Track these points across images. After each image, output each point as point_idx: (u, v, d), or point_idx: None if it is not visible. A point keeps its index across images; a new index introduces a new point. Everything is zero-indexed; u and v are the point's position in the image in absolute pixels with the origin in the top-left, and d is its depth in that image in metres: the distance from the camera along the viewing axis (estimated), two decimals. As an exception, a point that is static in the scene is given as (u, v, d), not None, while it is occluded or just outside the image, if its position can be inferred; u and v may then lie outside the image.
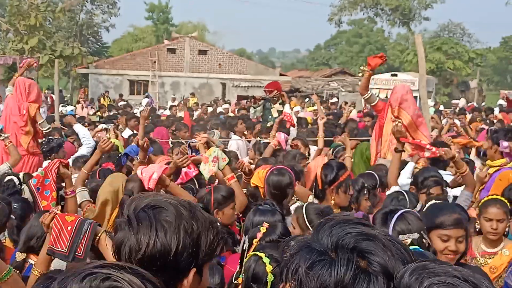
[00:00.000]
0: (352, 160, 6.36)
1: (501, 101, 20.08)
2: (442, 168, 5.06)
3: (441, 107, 21.88)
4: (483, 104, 28.59)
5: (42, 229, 2.93)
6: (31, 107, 6.40)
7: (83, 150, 6.15)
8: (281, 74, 33.87)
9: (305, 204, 3.42)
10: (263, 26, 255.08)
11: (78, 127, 6.50)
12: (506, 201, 3.67)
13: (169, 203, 1.35)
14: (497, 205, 3.59)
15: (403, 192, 3.82)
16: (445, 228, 2.74)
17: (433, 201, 3.08)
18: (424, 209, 3.01)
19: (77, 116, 15.27)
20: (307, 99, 28.56)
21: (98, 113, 16.22)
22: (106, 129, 7.75)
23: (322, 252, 1.09)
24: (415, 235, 2.57)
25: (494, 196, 3.76)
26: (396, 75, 23.93)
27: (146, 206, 1.35)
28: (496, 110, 15.99)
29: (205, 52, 31.80)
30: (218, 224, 1.47)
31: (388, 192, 4.07)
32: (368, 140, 7.44)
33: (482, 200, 3.74)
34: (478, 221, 3.68)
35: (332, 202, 4.08)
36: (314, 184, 4.38)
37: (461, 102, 21.72)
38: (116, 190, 3.62)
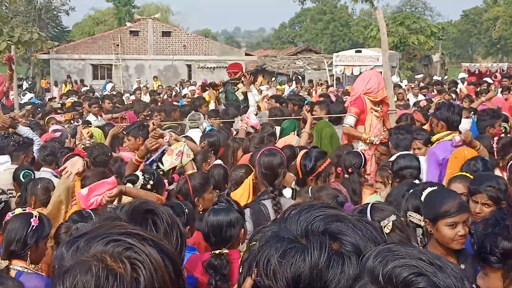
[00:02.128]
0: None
1: (462, 74, 20.49)
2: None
3: (405, 82, 22.19)
4: (445, 77, 29.11)
5: (21, 231, 2.94)
6: None
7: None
8: (246, 54, 33.74)
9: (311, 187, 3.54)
10: (228, 6, 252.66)
11: (21, 130, 6.19)
12: (470, 175, 3.71)
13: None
14: (458, 180, 3.67)
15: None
16: (451, 215, 2.75)
17: (429, 189, 3.05)
18: (423, 198, 2.96)
19: (55, 101, 14.90)
20: (273, 78, 28.60)
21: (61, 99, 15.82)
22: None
23: (292, 239, 1.08)
24: (393, 217, 2.59)
25: (459, 173, 3.85)
26: (360, 51, 24.10)
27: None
28: (461, 84, 16.29)
29: (169, 33, 31.35)
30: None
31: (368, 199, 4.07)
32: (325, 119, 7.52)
33: (449, 178, 3.82)
34: None
35: None
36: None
37: (420, 77, 22.09)
38: (70, 187, 3.55)
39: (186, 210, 3.41)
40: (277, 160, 3.76)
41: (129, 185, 3.73)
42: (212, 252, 2.95)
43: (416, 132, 5.99)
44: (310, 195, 3.41)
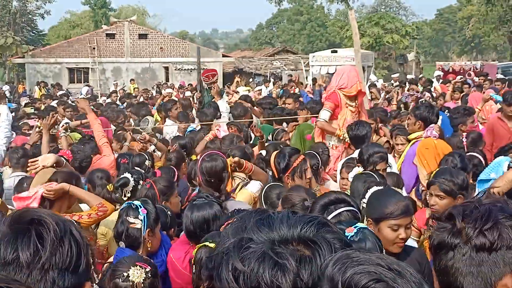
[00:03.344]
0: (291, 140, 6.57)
1: (438, 72, 20.87)
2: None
3: (381, 81, 22.48)
4: (420, 75, 29.55)
5: None
6: None
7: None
8: (224, 55, 33.76)
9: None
10: (205, 8, 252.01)
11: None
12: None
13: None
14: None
15: (370, 172, 3.77)
16: (395, 218, 2.71)
17: (374, 188, 3.04)
18: (367, 197, 2.96)
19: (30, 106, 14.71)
20: (251, 79, 28.70)
21: (35, 105, 15.67)
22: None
23: (293, 248, 1.04)
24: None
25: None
26: (336, 51, 24.31)
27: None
28: (436, 83, 16.57)
29: (145, 36, 31.23)
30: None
31: (351, 174, 4.03)
32: (306, 120, 7.65)
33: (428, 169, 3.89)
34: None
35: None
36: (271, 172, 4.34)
37: (396, 76, 22.46)
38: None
39: (169, 213, 3.49)
40: (220, 164, 3.67)
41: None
42: (198, 246, 2.89)
43: (398, 128, 6.16)
44: (262, 198, 3.39)
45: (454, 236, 1.40)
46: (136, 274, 2.51)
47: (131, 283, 2.49)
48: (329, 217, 2.51)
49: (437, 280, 1.46)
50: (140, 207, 3.02)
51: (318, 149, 5.25)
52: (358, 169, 3.99)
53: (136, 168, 4.52)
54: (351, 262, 0.95)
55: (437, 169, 3.86)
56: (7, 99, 19.62)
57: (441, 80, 17.53)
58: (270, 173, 4.48)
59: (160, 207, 3.44)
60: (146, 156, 5.18)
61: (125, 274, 2.51)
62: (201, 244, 2.79)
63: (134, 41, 30.97)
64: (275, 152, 4.27)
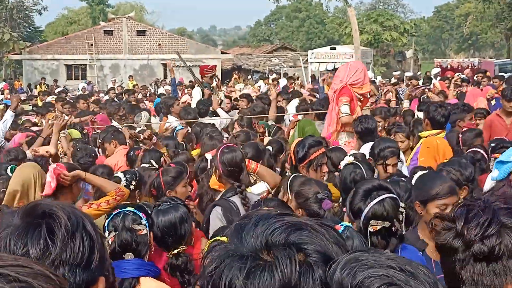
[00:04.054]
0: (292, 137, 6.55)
1: (436, 69, 20.89)
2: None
3: (379, 78, 22.48)
4: (419, 73, 29.56)
5: None
6: None
7: None
8: (222, 52, 33.73)
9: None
10: (203, 4, 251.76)
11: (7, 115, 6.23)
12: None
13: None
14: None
15: (359, 164, 3.79)
16: (442, 197, 2.81)
17: (420, 172, 3.10)
18: (414, 181, 3.02)
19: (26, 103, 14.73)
20: (249, 76, 28.68)
21: (32, 101, 15.65)
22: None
23: (253, 256, 0.98)
24: (386, 223, 2.54)
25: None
26: (335, 48, 24.35)
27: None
28: (435, 80, 16.55)
29: (143, 32, 31.17)
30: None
31: (343, 163, 3.98)
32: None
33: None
34: None
35: None
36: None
37: (397, 73, 22.50)
38: (26, 180, 3.52)
39: (149, 211, 3.44)
40: (239, 155, 3.74)
41: None
42: (170, 253, 2.90)
43: (398, 126, 6.14)
44: (288, 187, 3.41)
45: (456, 239, 1.31)
46: None
47: None
48: (372, 203, 2.57)
49: (445, 280, 1.38)
50: (137, 212, 2.87)
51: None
52: (349, 159, 3.98)
53: (152, 162, 4.62)
54: (361, 266, 0.92)
55: (430, 161, 3.90)
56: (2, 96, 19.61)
57: (439, 77, 17.53)
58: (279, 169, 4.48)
59: (146, 203, 3.37)
60: (160, 152, 5.21)
61: None
62: (212, 240, 2.70)
63: (132, 38, 30.91)
64: (297, 140, 4.25)
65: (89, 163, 5.10)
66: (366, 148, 4.69)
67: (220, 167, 3.69)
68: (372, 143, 4.55)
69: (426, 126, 5.12)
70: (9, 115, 6.20)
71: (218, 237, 2.66)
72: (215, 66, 10.21)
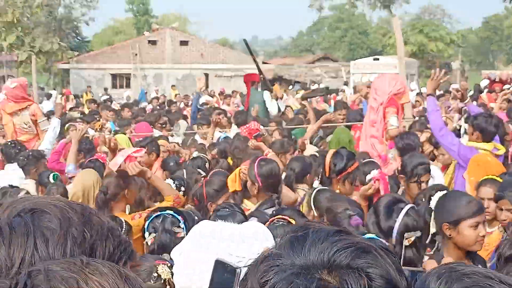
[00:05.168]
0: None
1: (485, 81, 20.28)
2: None
3: (423, 89, 21.98)
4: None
5: None
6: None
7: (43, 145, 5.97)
8: (264, 62, 33.77)
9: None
10: (246, 15, 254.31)
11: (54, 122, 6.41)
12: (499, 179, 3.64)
13: (53, 206, 1.09)
14: (489, 184, 3.61)
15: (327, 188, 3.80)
16: (474, 216, 2.74)
17: (439, 193, 3.01)
18: (435, 203, 2.93)
19: (75, 110, 15.13)
20: (290, 86, 28.58)
21: (80, 109, 16.02)
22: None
23: (314, 274, 0.90)
24: (418, 233, 2.56)
25: (490, 176, 3.77)
26: (378, 59, 24.02)
27: (23, 211, 1.08)
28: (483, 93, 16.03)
29: (186, 42, 31.58)
30: (120, 232, 1.18)
31: (369, 177, 3.93)
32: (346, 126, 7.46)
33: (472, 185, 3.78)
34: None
35: (337, 191, 4.02)
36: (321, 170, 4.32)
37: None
38: (87, 185, 3.58)
39: (196, 217, 3.40)
40: (276, 166, 3.76)
41: None
42: None
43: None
44: (312, 202, 3.40)
45: None
46: (165, 271, 2.45)
47: (162, 281, 2.43)
48: (401, 217, 2.66)
49: None
50: (176, 215, 2.99)
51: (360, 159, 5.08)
52: (375, 172, 3.89)
53: (198, 169, 4.80)
54: (457, 276, 0.88)
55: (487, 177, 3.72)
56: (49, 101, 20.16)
57: (486, 90, 16.97)
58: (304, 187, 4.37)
59: (188, 211, 3.41)
60: (206, 159, 5.34)
61: (155, 274, 2.45)
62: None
63: (175, 48, 31.35)
64: (332, 151, 4.25)
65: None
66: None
67: (259, 180, 3.63)
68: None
69: (476, 138, 4.83)
70: (56, 122, 6.35)
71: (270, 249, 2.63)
72: (260, 74, 10.17)
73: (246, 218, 3.07)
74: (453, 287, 0.87)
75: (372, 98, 6.16)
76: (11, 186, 4.09)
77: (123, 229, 3.10)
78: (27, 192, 4.00)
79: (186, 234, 2.85)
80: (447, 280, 0.88)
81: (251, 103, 9.73)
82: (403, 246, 2.53)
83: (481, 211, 2.78)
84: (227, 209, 3.07)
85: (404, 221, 2.64)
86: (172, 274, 2.44)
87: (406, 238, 2.51)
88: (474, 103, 12.03)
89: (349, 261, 0.91)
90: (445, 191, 3.07)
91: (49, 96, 21.03)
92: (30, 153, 5.45)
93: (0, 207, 1.09)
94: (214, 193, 3.83)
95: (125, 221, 3.21)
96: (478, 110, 6.25)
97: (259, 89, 10.07)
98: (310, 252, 0.92)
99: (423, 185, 4.07)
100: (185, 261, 1.95)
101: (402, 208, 2.71)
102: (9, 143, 6.01)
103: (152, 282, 2.47)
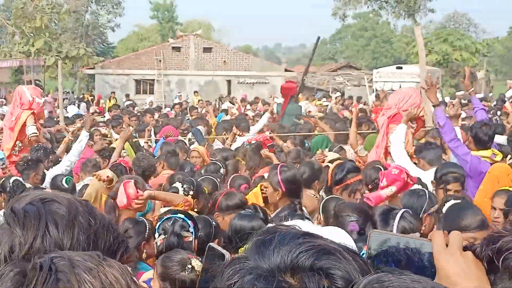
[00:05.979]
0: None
1: (511, 92, 19.98)
2: None
3: (447, 99, 21.75)
4: (490, 94, 28.39)
5: None
6: (23, 114, 6.61)
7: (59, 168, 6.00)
8: (286, 70, 33.81)
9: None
10: (269, 22, 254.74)
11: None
12: None
13: (61, 197, 1.22)
14: (503, 195, 3.59)
15: (424, 190, 3.70)
16: (472, 230, 2.67)
17: (452, 201, 3.01)
18: (444, 210, 2.92)
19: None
20: (313, 94, 28.55)
21: (105, 114, 16.30)
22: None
23: (276, 277, 0.90)
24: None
25: (505, 188, 3.77)
26: (401, 67, 23.85)
27: (34, 200, 1.19)
28: (507, 103, 15.80)
29: (210, 49, 31.81)
30: (117, 227, 1.31)
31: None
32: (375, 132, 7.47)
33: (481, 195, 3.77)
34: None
35: None
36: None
37: (461, 93, 21.68)
38: (100, 188, 3.64)
39: (213, 223, 3.45)
40: (297, 172, 3.81)
41: None
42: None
43: None
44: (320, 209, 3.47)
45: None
46: (198, 264, 2.56)
47: (197, 273, 2.54)
48: (396, 221, 2.71)
49: None
50: (186, 219, 3.03)
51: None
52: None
53: (211, 175, 4.79)
54: (382, 287, 0.84)
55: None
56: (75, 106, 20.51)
57: (511, 99, 16.74)
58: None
59: (205, 217, 3.43)
60: (221, 165, 5.34)
61: (189, 266, 2.57)
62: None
63: (199, 55, 31.60)
64: (337, 162, 4.33)
65: (149, 173, 5.20)
66: (429, 174, 4.53)
67: (283, 186, 3.67)
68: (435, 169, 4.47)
69: (469, 144, 4.91)
70: (84, 135, 6.29)
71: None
72: (295, 86, 10.34)
73: (266, 222, 3.11)
74: None
75: (382, 112, 6.21)
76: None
77: (147, 229, 3.14)
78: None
79: (195, 239, 2.94)
80: None
81: (287, 115, 10.00)
82: None
83: (482, 228, 2.69)
84: (250, 211, 3.16)
85: (400, 224, 2.69)
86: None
87: None
88: (498, 112, 11.89)
89: (311, 263, 0.91)
90: (458, 201, 3.05)
91: (79, 100, 21.37)
92: (29, 158, 5.54)
93: (12, 199, 1.21)
94: (225, 207, 3.75)
95: (149, 221, 3.25)
96: (481, 104, 6.23)
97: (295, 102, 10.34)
98: (274, 255, 0.92)
99: (450, 193, 3.98)
100: None
101: (396, 214, 2.76)
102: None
103: (186, 273, 2.61)
